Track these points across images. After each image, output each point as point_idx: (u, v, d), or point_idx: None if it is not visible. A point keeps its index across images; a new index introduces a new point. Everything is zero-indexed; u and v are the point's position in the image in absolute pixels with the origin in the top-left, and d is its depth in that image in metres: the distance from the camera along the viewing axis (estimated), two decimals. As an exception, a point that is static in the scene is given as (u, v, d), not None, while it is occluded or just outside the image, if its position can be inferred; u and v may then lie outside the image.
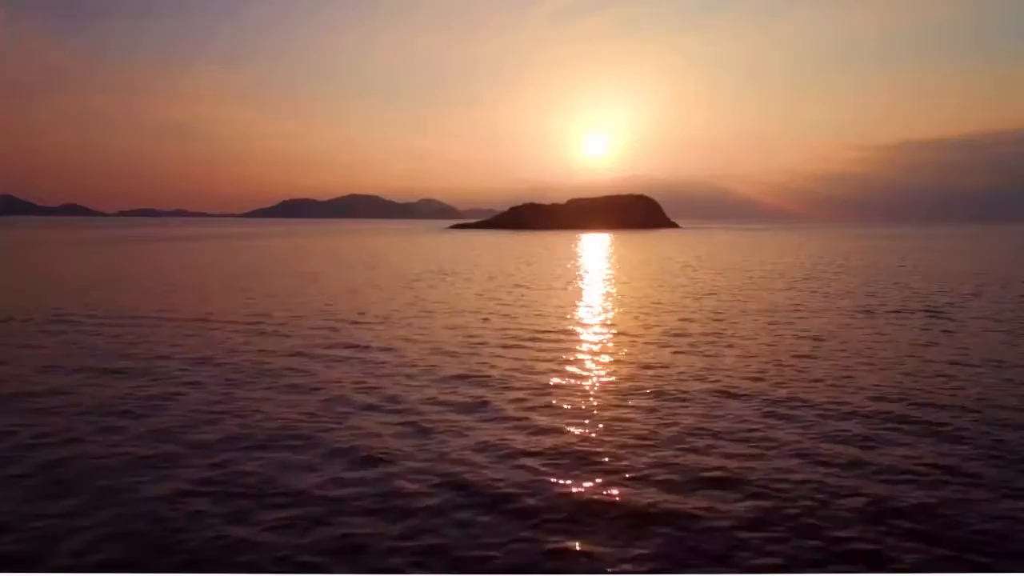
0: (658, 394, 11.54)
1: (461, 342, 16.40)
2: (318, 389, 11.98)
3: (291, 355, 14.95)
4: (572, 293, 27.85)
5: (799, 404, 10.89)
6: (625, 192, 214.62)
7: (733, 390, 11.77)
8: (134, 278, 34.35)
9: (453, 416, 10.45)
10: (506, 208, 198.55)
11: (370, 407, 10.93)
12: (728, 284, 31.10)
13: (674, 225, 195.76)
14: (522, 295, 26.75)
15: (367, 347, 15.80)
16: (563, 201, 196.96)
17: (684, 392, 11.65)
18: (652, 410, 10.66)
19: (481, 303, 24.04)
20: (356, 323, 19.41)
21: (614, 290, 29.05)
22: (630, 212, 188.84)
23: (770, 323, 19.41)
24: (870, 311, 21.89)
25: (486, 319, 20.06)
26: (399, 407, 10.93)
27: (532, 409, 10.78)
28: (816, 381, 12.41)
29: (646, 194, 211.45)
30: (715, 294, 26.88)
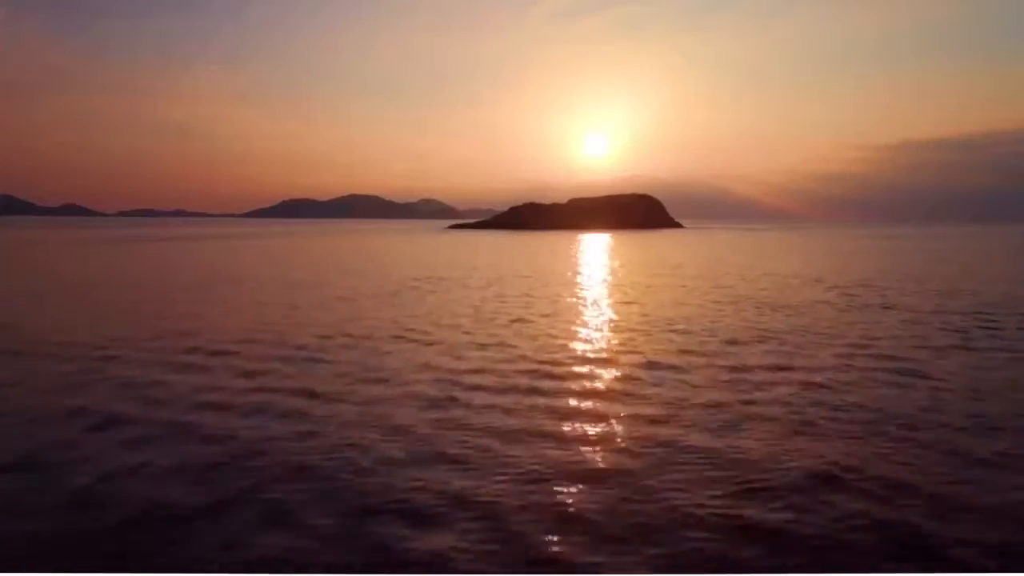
0: (730, 484, 7.32)
1: (445, 384, 12.14)
2: (224, 484, 7.75)
3: (208, 408, 10.74)
4: (586, 307, 23.44)
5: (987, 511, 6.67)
6: (625, 192, 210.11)
7: (859, 480, 7.53)
8: (97, 283, 30.10)
9: (416, 539, 6.26)
10: (506, 208, 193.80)
11: (287, 511, 6.76)
12: (765, 293, 26.81)
13: (678, 225, 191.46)
14: (526, 308, 22.52)
15: (318, 394, 11.53)
16: (564, 201, 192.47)
17: (771, 478, 7.43)
18: (735, 515, 6.45)
19: (477, 321, 19.80)
20: (317, 351, 15.18)
21: (634, 301, 24.70)
22: (633, 212, 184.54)
23: (842, 350, 15.14)
24: (963, 332, 17.57)
25: (482, 346, 15.81)
26: (334, 511, 6.76)
27: (540, 521, 6.58)
28: (987, 464, 8.19)
29: (647, 193, 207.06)
30: (757, 307, 22.40)
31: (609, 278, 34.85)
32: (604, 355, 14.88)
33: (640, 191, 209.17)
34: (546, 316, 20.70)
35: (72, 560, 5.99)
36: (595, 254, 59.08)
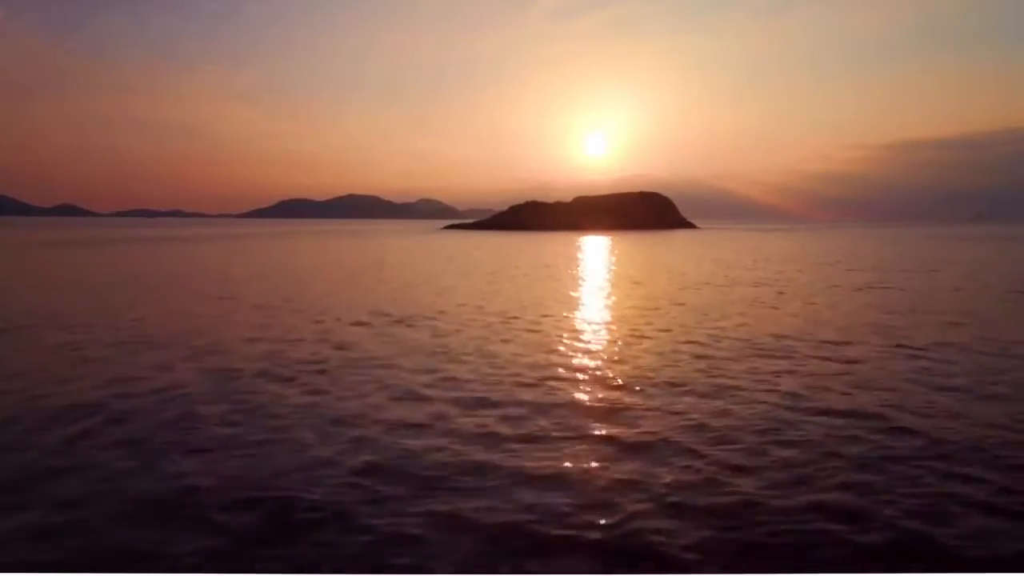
0: None
1: None
2: None
3: None
4: (659, 393, 12.92)
5: None
6: (626, 191, 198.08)
7: None
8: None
9: None
10: (506, 208, 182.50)
11: None
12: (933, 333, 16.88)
13: (690, 225, 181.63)
14: (536, 389, 12.61)
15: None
16: (567, 199, 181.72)
17: None
18: None
19: (442, 411, 9.90)
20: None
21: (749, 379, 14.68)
22: (643, 211, 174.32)
23: None
24: None
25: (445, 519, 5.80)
26: None
27: None
28: None
29: (657, 192, 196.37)
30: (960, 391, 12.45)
31: (673, 311, 24.57)
32: None
33: (642, 190, 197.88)
34: (585, 417, 10.70)
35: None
36: (623, 265, 48.67)
